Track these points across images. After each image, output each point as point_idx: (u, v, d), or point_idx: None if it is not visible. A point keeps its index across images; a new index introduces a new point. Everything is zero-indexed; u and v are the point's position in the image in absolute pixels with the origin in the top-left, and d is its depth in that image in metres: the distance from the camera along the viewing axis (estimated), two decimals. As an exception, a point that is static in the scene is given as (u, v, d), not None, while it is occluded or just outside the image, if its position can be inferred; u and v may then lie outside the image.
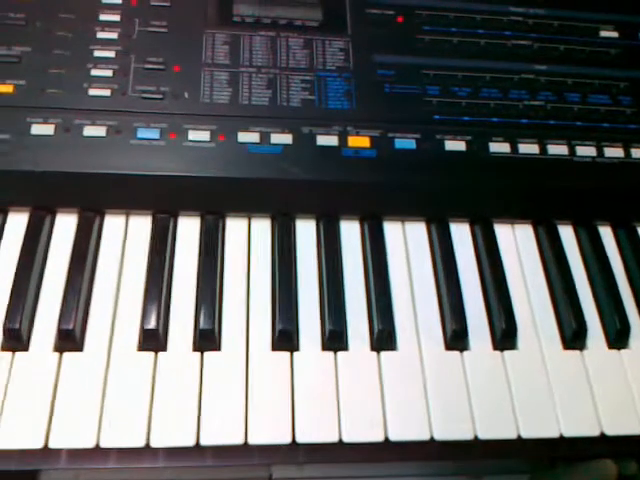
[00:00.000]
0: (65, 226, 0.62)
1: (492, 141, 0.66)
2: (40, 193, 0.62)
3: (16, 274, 0.58)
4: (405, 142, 0.65)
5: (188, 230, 0.64)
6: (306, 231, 0.65)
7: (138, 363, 0.56)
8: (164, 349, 0.57)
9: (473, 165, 0.65)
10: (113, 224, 0.63)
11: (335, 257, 0.63)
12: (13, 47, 0.64)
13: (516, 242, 0.67)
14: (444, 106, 0.67)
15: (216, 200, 0.64)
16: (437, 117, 0.67)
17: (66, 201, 0.62)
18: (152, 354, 0.56)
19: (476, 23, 0.72)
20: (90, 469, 0.55)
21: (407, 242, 0.65)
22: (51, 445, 0.52)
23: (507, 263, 0.65)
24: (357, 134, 0.65)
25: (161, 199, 0.63)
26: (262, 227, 0.65)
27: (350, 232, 0.65)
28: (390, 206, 0.65)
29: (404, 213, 0.66)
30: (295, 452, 0.55)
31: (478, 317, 0.62)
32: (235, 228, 0.64)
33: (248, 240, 0.64)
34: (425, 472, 0.65)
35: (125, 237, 0.63)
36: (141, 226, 0.63)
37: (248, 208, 0.64)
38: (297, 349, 0.58)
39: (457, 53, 0.70)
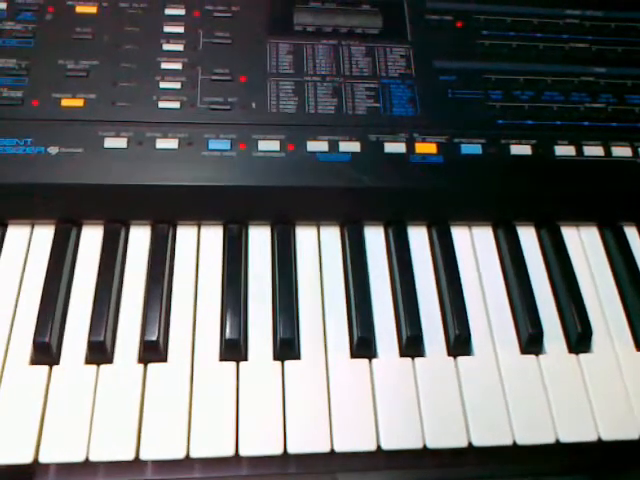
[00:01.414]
0: (139, 238, 0.63)
1: (557, 144, 0.66)
2: (114, 206, 0.62)
3: (97, 288, 0.59)
4: (471, 147, 0.65)
5: (259, 239, 0.64)
6: (375, 238, 0.65)
7: (221, 373, 0.56)
8: (245, 359, 0.57)
9: (540, 169, 0.65)
10: (185, 235, 0.64)
11: (406, 263, 0.63)
12: (81, 61, 0.65)
13: (582, 244, 0.67)
14: (507, 110, 0.68)
15: (286, 209, 0.64)
16: (501, 122, 0.67)
17: (139, 214, 0.63)
18: (234, 364, 0.57)
19: (533, 27, 0.73)
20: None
21: (475, 246, 0.66)
22: (142, 457, 0.53)
23: (575, 265, 0.65)
24: (423, 140, 0.65)
25: (232, 209, 0.64)
26: (332, 235, 0.65)
27: (418, 238, 0.66)
28: (457, 211, 0.66)
29: (471, 218, 0.66)
30: (377, 458, 0.56)
31: (551, 320, 0.62)
32: (305, 237, 0.65)
33: (319, 248, 0.64)
34: (482, 474, 0.65)
35: (198, 247, 0.63)
36: (213, 236, 0.64)
37: (318, 216, 0.65)
38: (375, 356, 0.59)
39: (517, 57, 0.71)
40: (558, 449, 0.57)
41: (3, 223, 0.62)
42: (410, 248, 0.64)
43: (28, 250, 0.61)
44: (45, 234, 0.62)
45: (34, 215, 0.62)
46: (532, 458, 0.58)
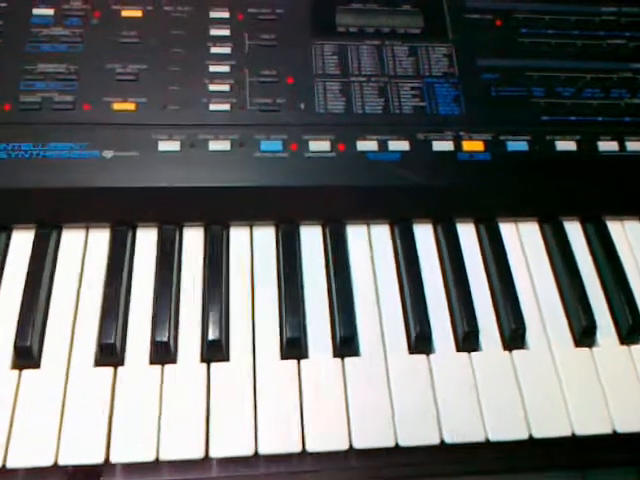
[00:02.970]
0: (193, 239, 0.64)
1: (600, 140, 0.67)
2: (168, 208, 0.63)
3: (156, 288, 0.60)
4: (517, 144, 0.66)
5: (312, 238, 0.65)
6: (425, 235, 0.66)
7: (283, 371, 0.57)
8: (306, 357, 0.58)
9: (585, 164, 0.66)
10: (238, 235, 0.64)
11: (458, 260, 0.64)
12: (129, 65, 0.65)
13: (627, 238, 0.68)
14: (550, 107, 0.69)
15: (338, 209, 0.65)
16: (545, 118, 0.68)
17: (193, 215, 0.64)
18: (295, 362, 0.58)
19: (570, 24, 0.74)
20: (245, 476, 0.56)
21: (522, 241, 0.67)
22: (212, 455, 0.53)
23: (621, 258, 0.66)
24: (470, 138, 0.66)
25: (285, 209, 0.64)
26: (382, 233, 0.66)
27: (467, 234, 0.66)
28: (504, 207, 0.67)
29: (517, 213, 0.67)
30: (438, 452, 0.57)
31: (602, 313, 0.63)
32: (357, 235, 0.65)
33: (370, 246, 0.65)
34: (539, 465, 0.65)
35: (252, 247, 0.64)
36: (266, 236, 0.64)
37: (368, 215, 0.66)
38: (433, 352, 0.59)
39: (556, 54, 0.72)
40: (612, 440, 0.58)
41: (58, 226, 0.62)
42: (461, 244, 0.65)
43: (84, 253, 0.62)
44: (101, 237, 0.63)
45: (89, 219, 0.63)
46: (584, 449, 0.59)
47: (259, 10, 0.70)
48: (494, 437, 0.56)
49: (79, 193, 0.60)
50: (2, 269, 0.60)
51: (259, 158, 0.63)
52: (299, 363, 0.58)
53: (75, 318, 0.58)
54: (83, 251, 0.62)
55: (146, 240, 0.63)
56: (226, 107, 0.64)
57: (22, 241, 0.62)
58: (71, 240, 0.62)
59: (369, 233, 0.66)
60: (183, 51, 0.67)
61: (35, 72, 0.64)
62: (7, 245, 0.62)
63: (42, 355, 0.56)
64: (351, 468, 0.57)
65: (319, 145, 0.64)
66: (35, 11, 0.67)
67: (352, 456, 0.56)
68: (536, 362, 0.60)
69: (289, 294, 0.60)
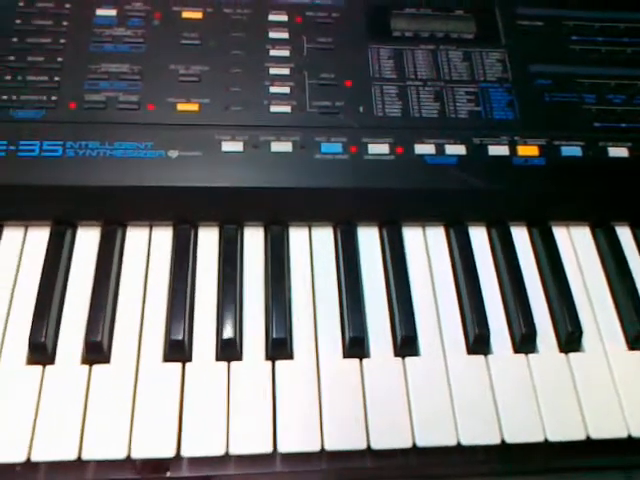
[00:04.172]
0: (254, 239, 0.65)
1: (652, 146, 0.68)
2: (230, 208, 0.64)
3: (222, 287, 0.61)
4: (571, 150, 0.67)
5: (369, 240, 0.66)
6: (479, 238, 0.67)
7: (346, 370, 0.58)
8: (368, 356, 0.59)
9: (637, 170, 0.67)
10: (298, 236, 0.65)
11: (513, 263, 0.65)
12: (191, 67, 0.67)
13: (675, 242, 0.69)
14: (602, 114, 0.70)
15: (395, 211, 0.66)
16: (597, 124, 0.69)
17: (254, 215, 0.65)
18: (357, 361, 0.59)
19: (620, 32, 0.75)
20: (309, 472, 0.57)
21: (575, 246, 0.68)
22: (280, 450, 0.55)
23: (671, 262, 0.68)
24: (525, 143, 0.67)
25: (343, 211, 0.65)
26: (437, 235, 0.67)
27: (521, 238, 0.68)
28: (557, 211, 0.68)
29: (569, 218, 0.68)
30: (500, 451, 0.58)
31: (654, 317, 0.64)
32: (413, 237, 0.66)
33: (426, 248, 0.66)
34: (594, 464, 0.66)
35: (311, 248, 0.65)
36: (324, 237, 0.66)
37: (423, 217, 0.67)
38: (490, 352, 0.61)
39: (606, 62, 0.73)
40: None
41: (123, 224, 0.64)
42: (515, 248, 0.66)
43: (149, 251, 0.63)
44: (164, 235, 0.64)
45: (153, 217, 0.64)
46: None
47: (316, 14, 0.71)
48: (553, 437, 0.57)
49: (145, 192, 0.62)
50: (69, 265, 0.61)
51: (320, 160, 0.64)
52: (361, 362, 0.59)
53: (142, 314, 0.60)
54: (147, 249, 0.63)
55: (208, 239, 0.64)
56: (287, 109, 0.66)
57: (87, 238, 0.63)
58: (136, 238, 0.64)
59: (424, 235, 0.67)
60: (243, 53, 0.68)
61: (99, 72, 0.65)
62: (72, 242, 0.63)
63: (112, 350, 0.57)
64: (410, 466, 0.58)
65: (378, 148, 0.65)
66: (98, 12, 0.68)
67: (413, 454, 0.57)
68: (591, 364, 0.61)
69: (350, 294, 0.61)
